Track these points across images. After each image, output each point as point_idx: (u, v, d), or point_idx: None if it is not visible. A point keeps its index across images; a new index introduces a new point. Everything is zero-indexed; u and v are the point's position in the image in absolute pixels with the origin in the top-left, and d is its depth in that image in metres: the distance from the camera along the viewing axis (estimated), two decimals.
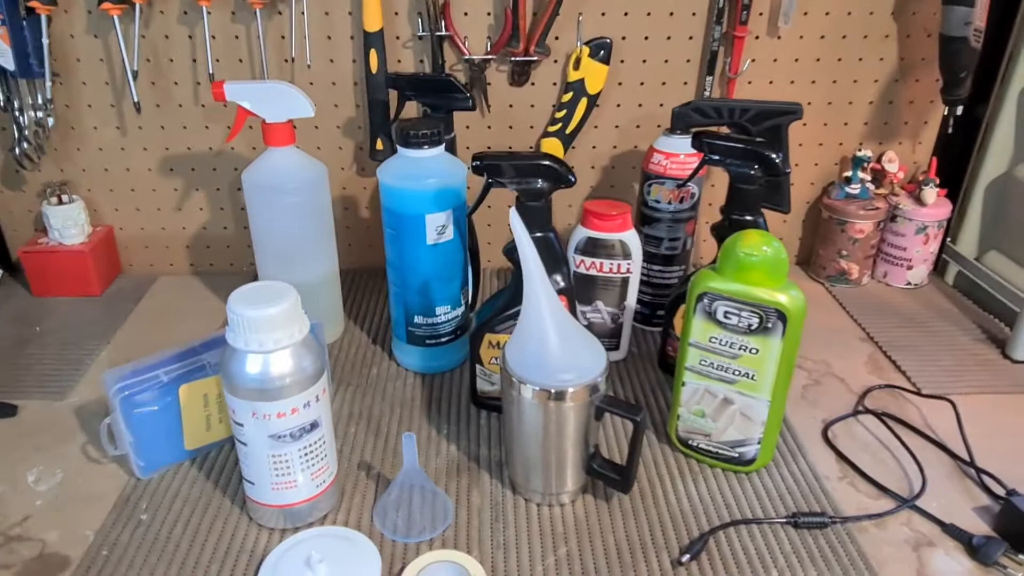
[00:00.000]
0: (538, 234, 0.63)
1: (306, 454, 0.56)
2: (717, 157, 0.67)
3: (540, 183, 0.62)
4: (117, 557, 0.56)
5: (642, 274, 0.82)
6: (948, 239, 0.97)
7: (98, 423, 0.63)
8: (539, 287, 0.55)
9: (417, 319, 0.75)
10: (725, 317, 0.59)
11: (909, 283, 0.95)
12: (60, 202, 0.89)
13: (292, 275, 0.76)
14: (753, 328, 0.58)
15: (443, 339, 0.76)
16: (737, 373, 0.60)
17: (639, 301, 0.84)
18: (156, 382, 0.62)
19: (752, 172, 0.65)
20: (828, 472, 0.65)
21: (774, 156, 0.64)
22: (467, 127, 0.91)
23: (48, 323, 0.86)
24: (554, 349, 0.56)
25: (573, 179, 0.63)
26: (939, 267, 0.99)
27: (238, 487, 0.62)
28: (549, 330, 0.56)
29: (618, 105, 0.91)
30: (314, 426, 0.56)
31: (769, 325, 0.58)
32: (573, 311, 0.67)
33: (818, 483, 0.64)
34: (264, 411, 0.53)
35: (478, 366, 0.70)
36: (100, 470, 0.65)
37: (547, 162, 0.62)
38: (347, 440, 0.68)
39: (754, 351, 0.59)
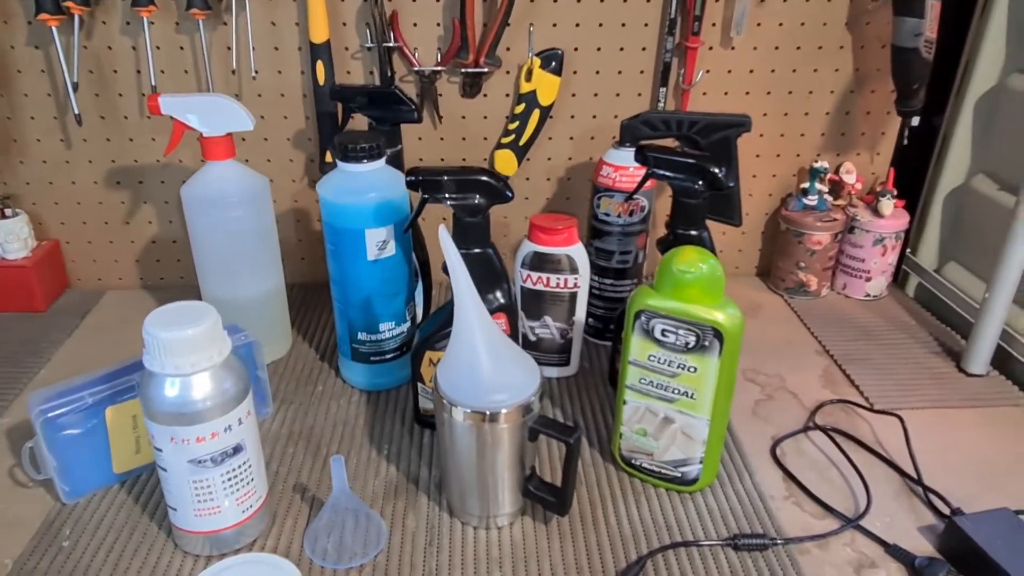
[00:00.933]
0: (476, 250, 0.62)
1: (230, 479, 0.54)
2: (661, 171, 0.66)
3: (477, 199, 0.61)
4: None
5: (594, 288, 0.81)
6: (908, 250, 0.96)
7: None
8: (470, 306, 0.54)
9: (361, 335, 0.73)
10: (662, 335, 0.58)
11: (868, 295, 0.94)
12: (3, 216, 0.87)
13: (235, 291, 0.75)
14: (690, 346, 0.57)
15: (388, 356, 0.75)
16: (676, 392, 0.59)
17: (592, 315, 0.83)
18: (81, 404, 0.60)
19: (696, 186, 0.64)
20: (774, 491, 0.64)
21: (717, 170, 0.63)
22: (419, 139, 0.89)
23: None
24: (486, 369, 0.54)
25: (510, 195, 0.61)
26: (899, 278, 0.98)
27: (165, 513, 0.60)
28: (480, 350, 0.54)
29: (572, 116, 0.89)
30: (237, 450, 0.54)
31: (706, 343, 0.56)
32: (514, 328, 0.66)
33: (762, 503, 0.62)
34: (183, 436, 0.51)
35: (420, 384, 0.68)
36: (25, 495, 0.63)
37: (484, 177, 0.61)
38: (284, 461, 0.67)
39: (692, 369, 0.58)
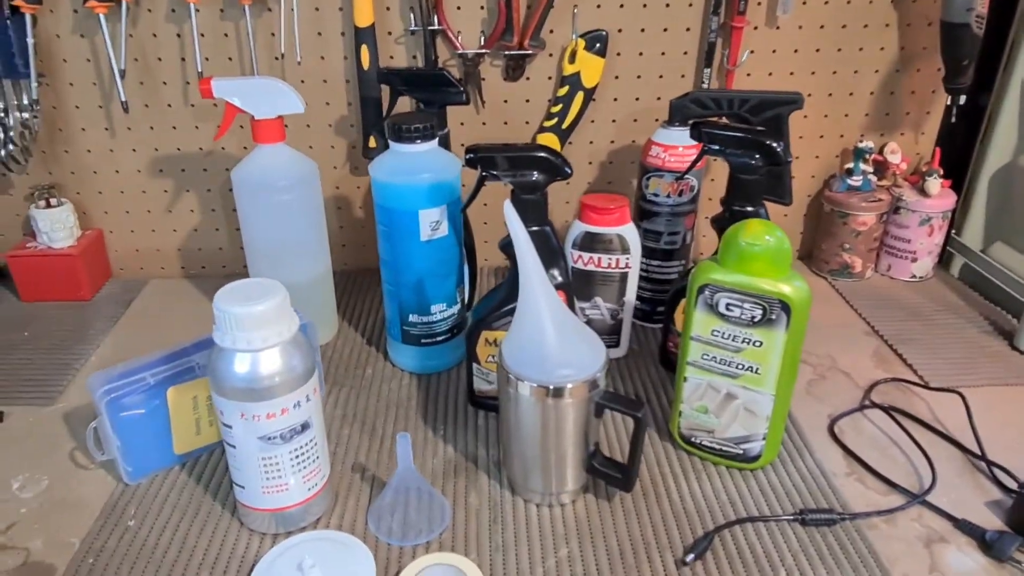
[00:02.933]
0: (534, 228, 0.62)
1: (297, 456, 0.54)
2: (716, 147, 0.65)
3: (535, 175, 0.61)
4: (103, 564, 0.54)
5: (641, 270, 0.81)
6: (953, 231, 0.95)
7: (85, 429, 0.61)
8: (535, 281, 0.54)
9: (412, 318, 0.73)
10: (727, 309, 0.57)
11: (914, 276, 0.93)
12: (48, 205, 0.87)
13: (284, 275, 0.74)
14: (756, 320, 0.57)
15: (439, 338, 0.74)
16: (740, 367, 0.59)
17: (639, 298, 0.82)
18: (143, 385, 0.60)
19: (753, 162, 0.64)
20: (835, 468, 0.63)
21: (775, 144, 0.62)
22: (461, 123, 0.89)
23: (36, 328, 0.85)
24: (552, 344, 0.54)
25: (569, 171, 0.61)
26: (944, 260, 0.97)
27: (229, 492, 0.60)
28: (546, 325, 0.54)
29: (615, 99, 0.89)
30: (305, 427, 0.54)
31: (773, 317, 0.56)
32: (571, 307, 0.66)
33: (825, 479, 0.62)
34: (253, 412, 0.51)
35: (475, 364, 0.68)
36: (87, 476, 0.63)
37: (542, 154, 0.60)
38: (341, 442, 0.67)
39: (758, 344, 0.57)
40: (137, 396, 0.60)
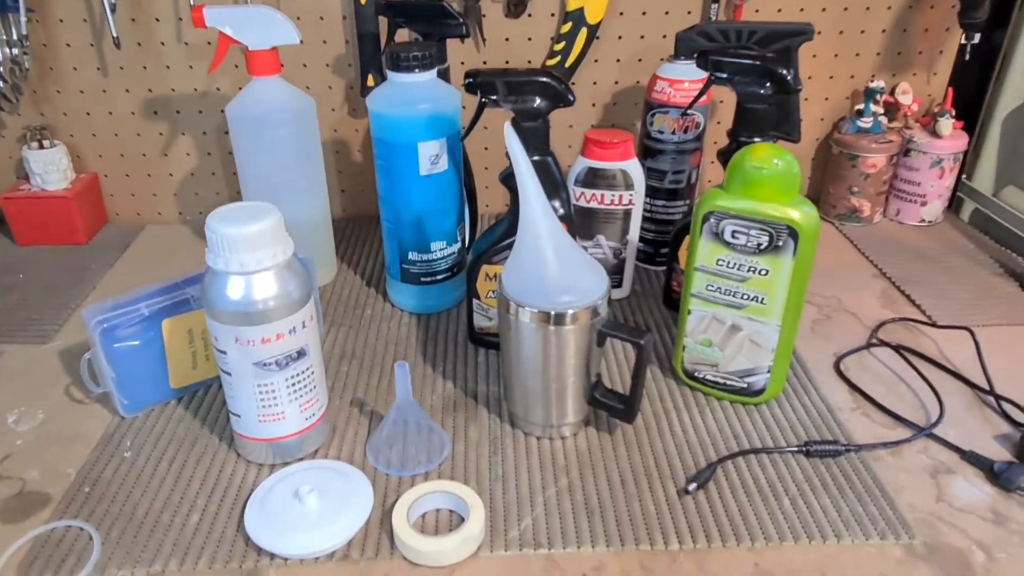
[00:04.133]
0: (536, 158, 0.60)
1: (293, 384, 0.53)
2: (724, 75, 0.63)
3: (537, 101, 0.59)
4: (99, 493, 0.54)
5: (645, 210, 0.79)
6: (964, 176, 0.93)
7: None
8: (535, 204, 0.52)
9: (412, 255, 0.72)
10: (733, 237, 0.56)
11: (923, 220, 0.91)
12: (41, 147, 0.86)
13: (286, 213, 0.73)
14: (763, 247, 0.55)
15: (439, 276, 0.73)
16: (746, 297, 0.58)
17: (642, 239, 0.81)
18: (137, 316, 0.59)
19: (761, 90, 0.62)
20: (841, 404, 0.63)
21: (784, 71, 0.61)
22: (462, 63, 0.87)
23: (31, 270, 0.84)
24: (553, 270, 0.53)
25: (572, 97, 0.59)
26: (954, 205, 0.95)
27: (226, 426, 0.60)
28: (547, 250, 0.53)
29: (619, 37, 0.87)
30: (301, 354, 0.53)
31: (780, 243, 0.55)
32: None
33: (831, 414, 0.61)
34: (248, 336, 0.50)
35: (475, 301, 0.67)
36: (83, 411, 0.62)
37: (544, 78, 0.59)
38: (339, 378, 0.66)
39: (763, 272, 0.56)
40: (131, 327, 0.59)
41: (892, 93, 0.89)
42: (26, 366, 0.68)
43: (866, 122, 0.88)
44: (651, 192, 0.78)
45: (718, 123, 0.91)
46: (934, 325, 0.72)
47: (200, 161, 0.92)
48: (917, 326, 0.73)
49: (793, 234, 0.54)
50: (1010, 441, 0.58)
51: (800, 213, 0.54)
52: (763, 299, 0.57)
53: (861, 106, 0.88)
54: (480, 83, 0.59)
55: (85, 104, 0.88)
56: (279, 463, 0.56)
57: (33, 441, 0.59)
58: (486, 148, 0.92)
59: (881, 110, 0.88)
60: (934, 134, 0.87)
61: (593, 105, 0.91)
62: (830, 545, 0.50)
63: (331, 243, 0.82)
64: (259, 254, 0.49)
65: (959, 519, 0.52)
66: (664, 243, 0.81)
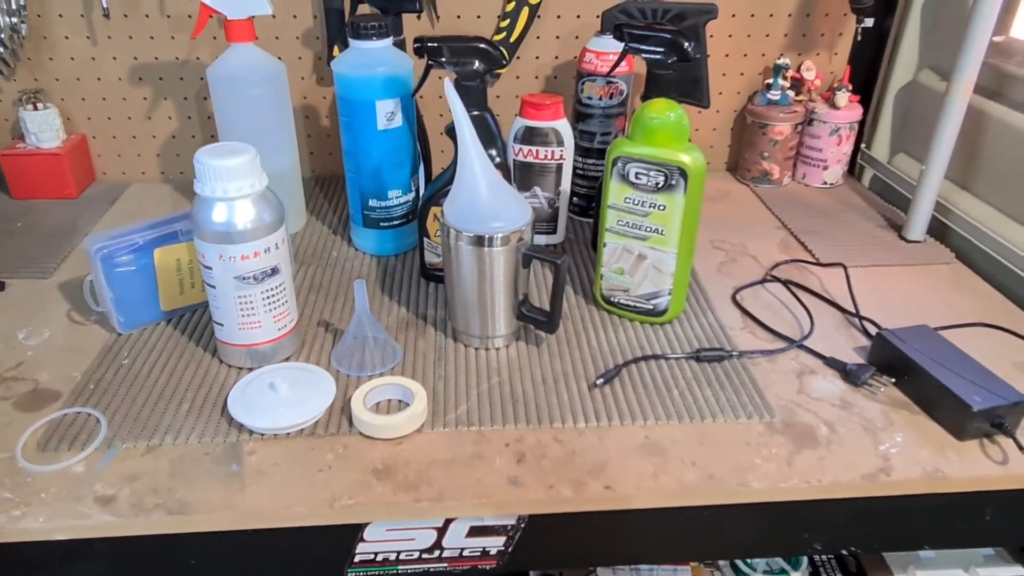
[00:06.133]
0: (475, 112, 0.71)
1: (268, 297, 0.64)
2: (635, 45, 0.74)
3: (476, 64, 0.70)
4: (102, 390, 0.64)
5: (578, 168, 0.91)
6: (864, 145, 1.06)
7: (81, 296, 0.70)
8: (470, 145, 0.63)
9: (371, 202, 0.82)
10: (636, 178, 0.67)
11: (825, 183, 1.04)
12: (35, 108, 0.94)
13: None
14: (660, 186, 0.67)
15: (395, 222, 0.84)
16: (648, 230, 0.69)
17: (575, 193, 0.92)
18: (133, 244, 0.69)
19: (666, 58, 0.73)
20: (732, 324, 0.75)
21: (685, 42, 0.72)
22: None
23: (29, 219, 0.93)
24: (485, 199, 0.64)
25: (505, 61, 0.70)
26: (856, 171, 1.08)
27: (210, 341, 0.70)
28: (480, 184, 0.64)
29: (558, 16, 0.98)
30: (274, 271, 0.63)
31: (673, 183, 0.66)
32: None
33: (722, 331, 0.73)
34: (230, 253, 0.61)
35: (425, 239, 0.78)
36: (84, 329, 0.72)
37: (482, 44, 0.69)
38: (308, 305, 0.76)
39: (661, 208, 0.68)
40: (128, 254, 0.69)
41: (798, 70, 1.02)
42: (30, 296, 0.78)
43: (775, 95, 1.00)
44: (583, 152, 0.90)
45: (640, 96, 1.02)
46: (817, 264, 0.85)
47: (181, 124, 1.01)
48: (805, 265, 0.85)
49: (684, 174, 0.66)
50: (865, 351, 0.71)
51: (689, 157, 0.65)
52: (662, 231, 0.69)
53: (771, 80, 1.00)
54: (427, 47, 0.70)
55: (76, 70, 0.97)
56: (256, 367, 0.67)
57: (42, 352, 0.69)
58: (441, 133, 1.02)
59: (788, 84, 1.01)
60: (833, 106, 1.00)
61: (536, 77, 1.02)
62: (707, 423, 0.62)
63: (301, 194, 0.92)
64: (239, 183, 0.59)
65: (813, 405, 0.64)
66: (593, 197, 0.92)
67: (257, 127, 0.83)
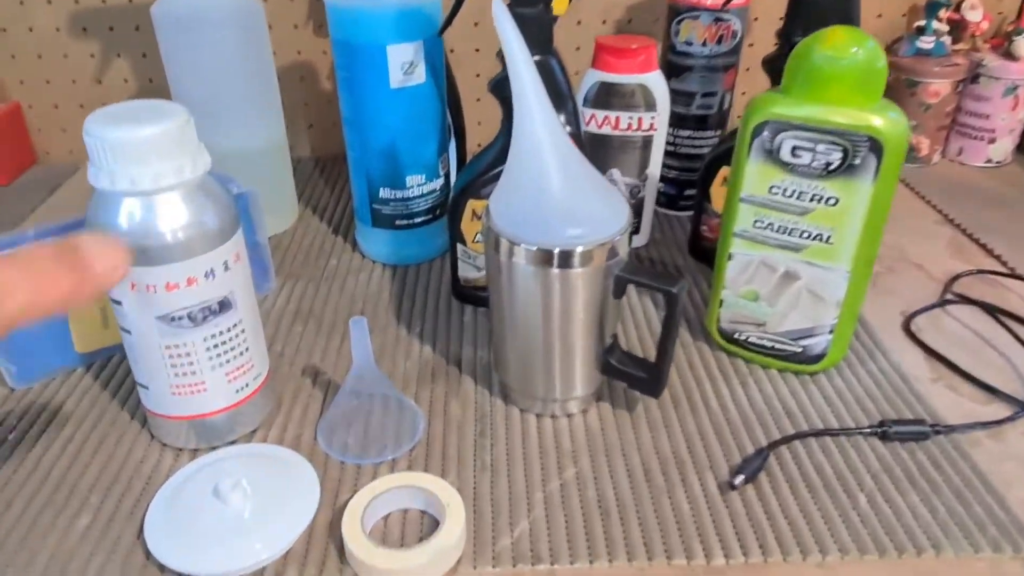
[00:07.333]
0: (536, 57, 0.47)
1: (216, 346, 0.41)
2: None
3: None
4: None
5: (667, 141, 0.66)
6: None
7: None
8: (534, 107, 0.39)
9: (383, 192, 0.59)
10: (793, 155, 0.43)
11: (990, 160, 0.78)
12: None
13: (224, 141, 0.60)
14: (832, 168, 0.42)
15: (417, 220, 0.60)
16: (806, 235, 0.44)
17: (662, 179, 0.67)
18: None
19: None
20: (917, 372, 0.50)
21: None
22: None
23: None
24: (557, 194, 0.40)
25: None
26: None
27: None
28: (550, 167, 0.40)
29: None
30: (224, 306, 0.40)
31: (856, 161, 0.41)
32: None
33: (906, 386, 0.48)
34: (147, 281, 0.37)
35: (460, 246, 0.54)
36: None
37: None
38: (291, 341, 0.53)
39: (831, 201, 0.43)
40: None
41: (958, 9, 0.75)
42: None
43: (927, 42, 0.74)
44: (675, 120, 0.65)
45: (755, 19, 0.77)
46: (1013, 275, 0.59)
47: (140, 88, 0.78)
48: (998, 279, 0.60)
49: (876, 148, 0.41)
50: None
51: (885, 120, 0.41)
52: (829, 237, 0.44)
53: (922, 23, 0.74)
54: None
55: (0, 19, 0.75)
56: (204, 447, 0.44)
57: None
58: (477, 75, 0.78)
59: (945, 28, 0.74)
60: (1008, 56, 0.73)
61: (604, 22, 0.77)
62: (925, 558, 0.37)
63: (290, 181, 0.68)
64: (157, 167, 0.36)
65: None
66: (689, 183, 0.68)
67: (223, 87, 0.59)
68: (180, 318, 0.39)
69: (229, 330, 0.41)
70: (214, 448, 0.43)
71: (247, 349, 0.42)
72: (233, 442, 0.44)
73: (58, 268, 0.25)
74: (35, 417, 0.46)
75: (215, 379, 0.41)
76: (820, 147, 0.42)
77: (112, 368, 0.50)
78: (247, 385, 0.43)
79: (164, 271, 0.37)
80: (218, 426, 0.43)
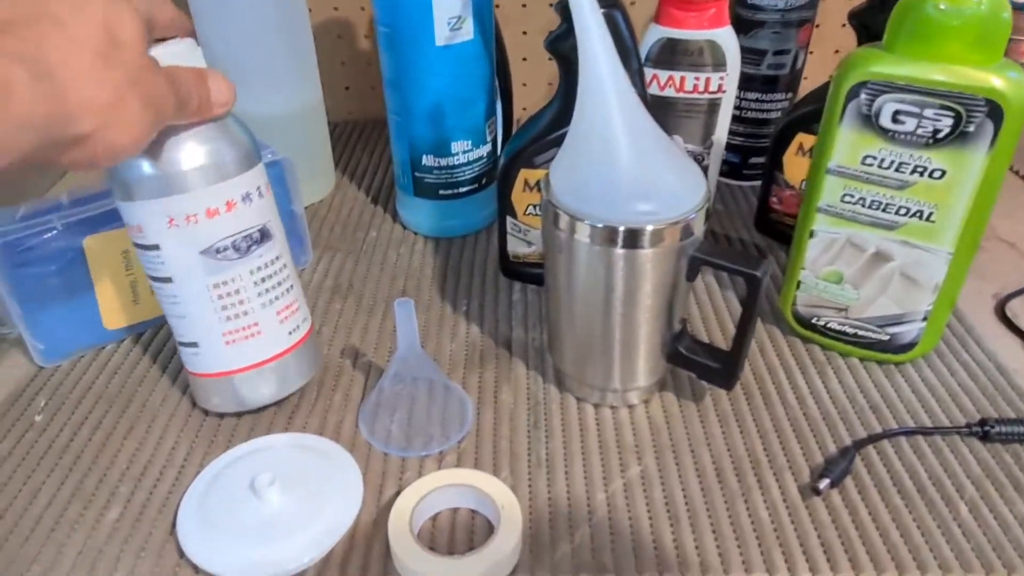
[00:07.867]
0: (602, 9, 0.42)
1: (263, 279, 0.38)
2: None
3: None
4: None
5: (733, 105, 0.61)
6: None
7: None
8: (601, 57, 0.35)
9: (426, 160, 0.55)
10: (895, 121, 0.38)
11: None
12: None
13: (257, 104, 0.56)
14: (941, 137, 0.37)
15: (462, 189, 0.56)
16: (904, 212, 0.40)
17: (728, 145, 0.62)
18: (49, 229, 0.43)
19: None
20: (1016, 364, 0.45)
21: None
22: None
23: None
24: (625, 165, 0.35)
25: None
26: None
27: (177, 376, 0.45)
28: (619, 134, 0.35)
29: None
30: (264, 235, 0.37)
31: (970, 129, 0.36)
32: None
33: (1004, 379, 0.44)
34: (184, 211, 0.34)
35: (510, 219, 0.50)
36: None
37: None
38: (328, 319, 0.50)
39: (937, 174, 0.38)
40: (42, 247, 0.43)
41: None
42: None
43: None
44: (742, 82, 0.59)
45: None
46: None
47: None
48: None
49: (994, 113, 0.35)
50: None
51: (1006, 81, 0.35)
52: (931, 215, 0.39)
53: None
54: None
55: None
56: (253, 409, 0.41)
57: None
58: (524, 32, 0.73)
59: None
60: None
61: None
62: None
63: (327, 146, 0.65)
64: None
65: None
66: (754, 150, 0.63)
67: (254, 49, 0.55)
68: (225, 248, 0.36)
69: (273, 263, 0.38)
70: (265, 408, 0.41)
71: (292, 287, 0.40)
72: (288, 397, 0.41)
73: (199, 86, 0.32)
74: (64, 397, 0.44)
75: (267, 318, 0.38)
76: (928, 112, 0.37)
77: (143, 345, 0.48)
78: (297, 328, 0.40)
79: (199, 197, 0.34)
80: (271, 382, 0.40)
